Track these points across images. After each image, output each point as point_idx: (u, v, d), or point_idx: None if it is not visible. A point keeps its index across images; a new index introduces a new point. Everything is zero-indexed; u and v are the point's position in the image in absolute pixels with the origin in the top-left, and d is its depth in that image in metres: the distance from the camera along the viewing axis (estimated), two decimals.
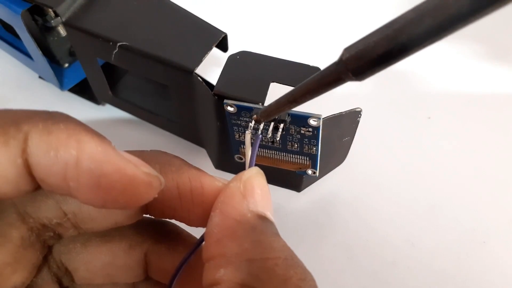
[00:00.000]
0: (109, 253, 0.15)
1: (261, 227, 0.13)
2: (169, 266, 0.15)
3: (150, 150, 0.14)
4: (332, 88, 0.11)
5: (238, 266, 0.12)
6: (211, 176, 0.15)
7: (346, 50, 0.10)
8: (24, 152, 0.11)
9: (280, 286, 0.11)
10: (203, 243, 0.14)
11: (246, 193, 0.13)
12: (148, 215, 0.15)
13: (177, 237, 0.16)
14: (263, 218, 0.13)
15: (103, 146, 0.12)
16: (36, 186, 0.12)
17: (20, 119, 0.11)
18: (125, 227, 0.15)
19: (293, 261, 0.12)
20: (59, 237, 0.14)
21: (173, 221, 0.15)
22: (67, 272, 0.15)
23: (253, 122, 0.19)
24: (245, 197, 0.13)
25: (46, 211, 0.13)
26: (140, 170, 0.12)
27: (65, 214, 0.14)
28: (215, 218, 0.13)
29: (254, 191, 0.13)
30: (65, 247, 0.15)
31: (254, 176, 0.14)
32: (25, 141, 0.11)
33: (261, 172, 0.15)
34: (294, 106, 0.13)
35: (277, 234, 0.13)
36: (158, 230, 0.16)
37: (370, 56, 0.09)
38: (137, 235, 0.15)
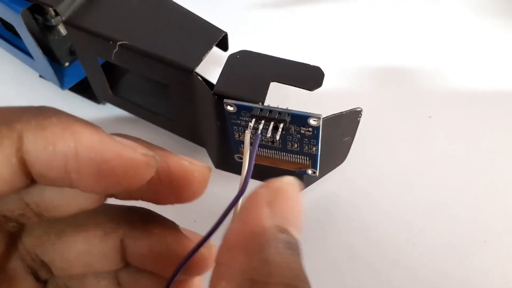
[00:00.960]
0: (84, 241, 0.15)
1: (276, 244, 0.11)
2: (146, 249, 0.15)
3: (115, 133, 0.14)
4: None
5: (240, 284, 0.11)
6: (177, 155, 0.14)
7: None
8: (19, 150, 0.11)
9: None
10: (208, 241, 0.14)
11: (273, 203, 0.12)
12: (113, 198, 0.15)
13: (152, 220, 0.16)
14: (283, 235, 0.12)
15: (98, 134, 0.12)
16: (28, 182, 0.12)
17: (11, 117, 0.11)
18: (99, 215, 0.15)
19: None
20: (22, 226, 0.14)
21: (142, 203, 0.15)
22: (44, 264, 0.15)
23: (253, 121, 0.19)
24: (271, 207, 0.12)
25: (8, 204, 0.13)
26: (138, 152, 0.12)
27: (27, 205, 0.13)
28: (235, 224, 0.12)
29: (283, 202, 0.12)
30: (39, 239, 0.15)
31: (286, 185, 0.12)
32: (20, 139, 0.11)
33: (296, 182, 0.13)
34: None
35: (293, 254, 0.11)
36: (133, 215, 0.16)
37: None
38: (111, 221, 0.15)
